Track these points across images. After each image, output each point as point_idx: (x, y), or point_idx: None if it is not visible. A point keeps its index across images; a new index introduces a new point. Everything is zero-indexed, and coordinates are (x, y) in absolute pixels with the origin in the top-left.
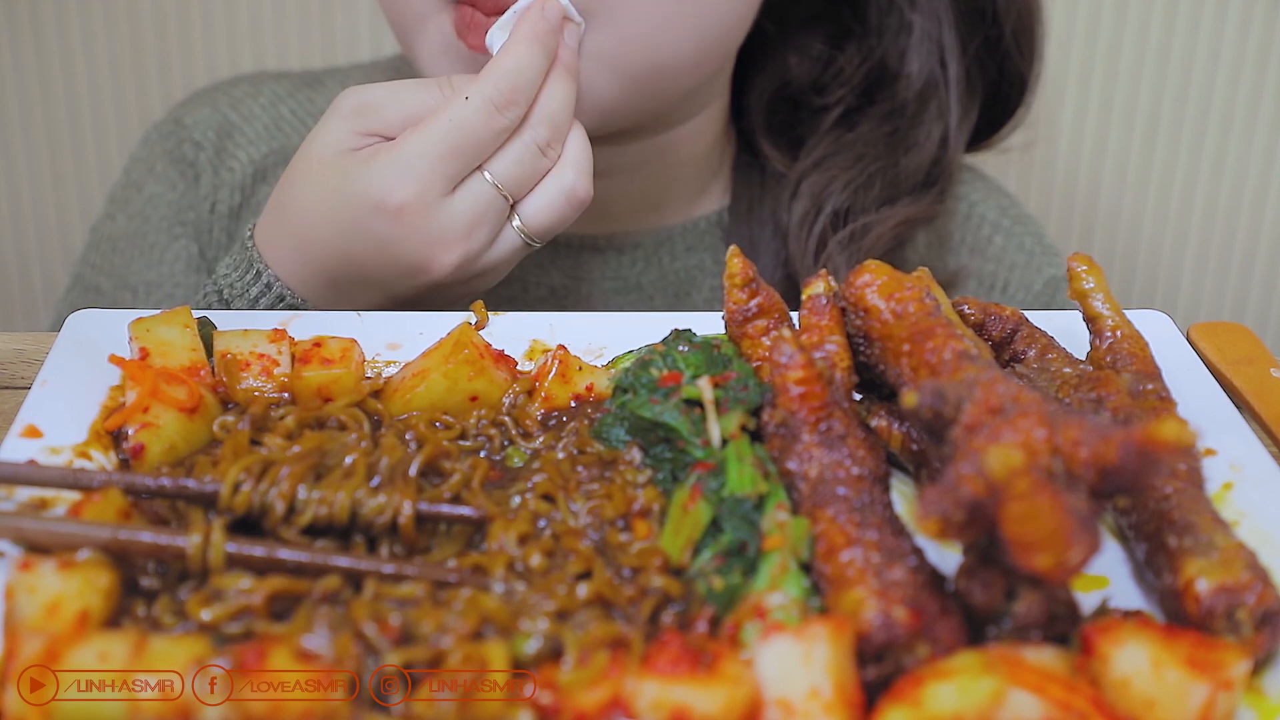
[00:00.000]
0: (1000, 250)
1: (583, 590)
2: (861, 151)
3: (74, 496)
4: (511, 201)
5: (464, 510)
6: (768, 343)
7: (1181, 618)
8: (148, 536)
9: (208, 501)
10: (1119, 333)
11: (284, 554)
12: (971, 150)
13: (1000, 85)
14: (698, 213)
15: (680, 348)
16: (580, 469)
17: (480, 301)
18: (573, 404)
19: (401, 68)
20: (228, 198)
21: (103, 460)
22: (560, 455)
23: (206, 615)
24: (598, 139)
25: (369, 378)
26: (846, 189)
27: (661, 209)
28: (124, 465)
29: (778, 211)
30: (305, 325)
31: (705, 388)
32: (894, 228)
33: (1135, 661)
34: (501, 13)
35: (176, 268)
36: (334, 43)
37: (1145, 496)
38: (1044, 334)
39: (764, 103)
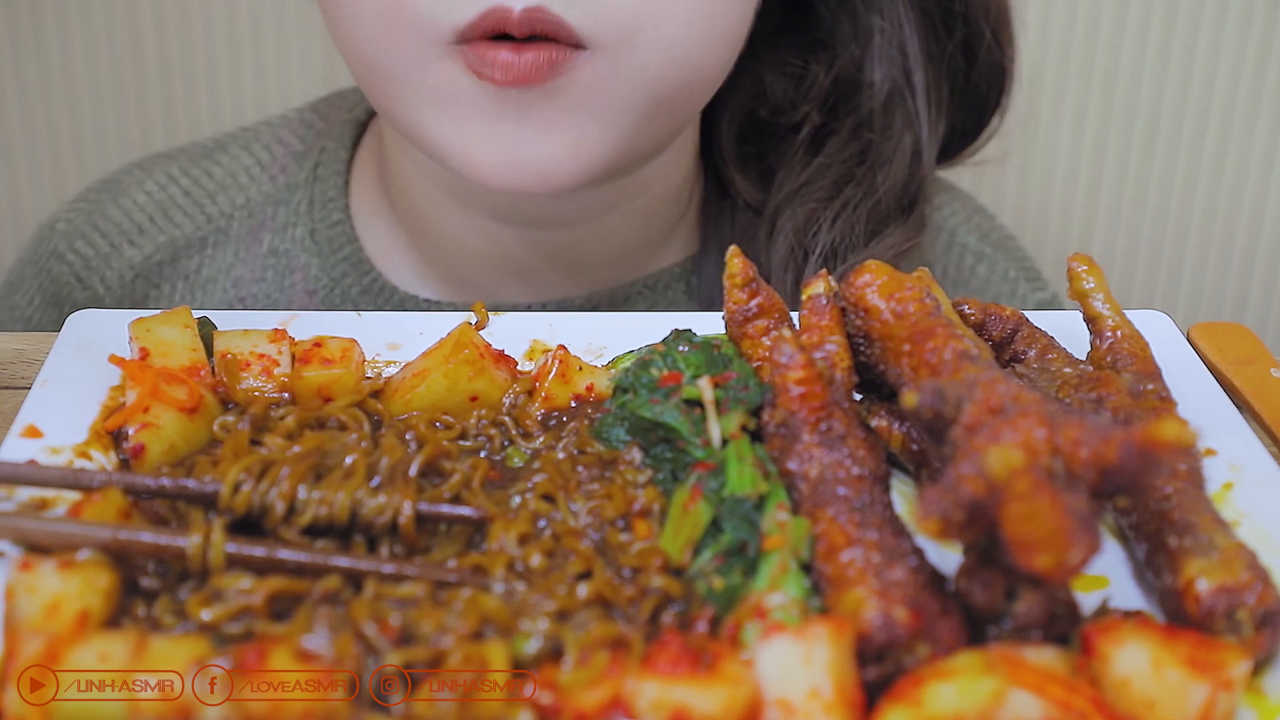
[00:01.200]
0: (984, 281)
1: (583, 590)
2: (835, 176)
3: (74, 496)
4: None
5: (464, 510)
6: (768, 343)
7: (1182, 618)
8: (148, 537)
9: (208, 501)
10: (1119, 333)
11: (284, 554)
12: (947, 162)
13: (977, 86)
14: (661, 264)
15: (680, 348)
16: (580, 469)
17: (480, 302)
18: (573, 404)
19: (313, 123)
20: (116, 286)
21: (103, 460)
22: (560, 455)
23: (206, 615)
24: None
25: (369, 378)
26: (834, 226)
27: (625, 261)
28: (124, 465)
29: (753, 251)
30: (305, 325)
31: (705, 388)
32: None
33: (1135, 662)
34: (524, 39)
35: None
36: (336, 70)
37: (1145, 496)
38: (1044, 334)
39: (735, 129)
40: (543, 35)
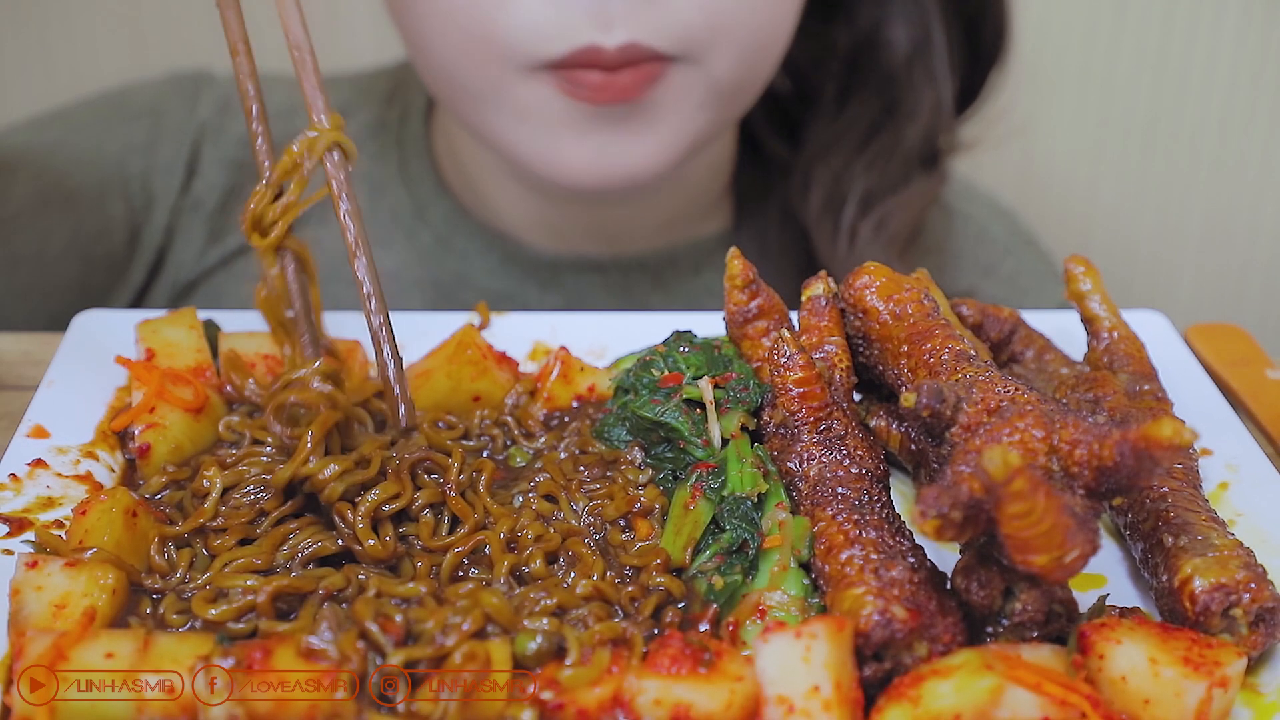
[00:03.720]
0: (1012, 273)
1: (583, 588)
2: (863, 129)
3: (80, 495)
4: None
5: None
6: (768, 344)
7: (1178, 616)
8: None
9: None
10: (1116, 334)
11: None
12: (961, 117)
13: (979, 43)
14: (705, 231)
15: (681, 349)
16: (582, 469)
17: (483, 303)
18: (575, 404)
19: (397, 73)
20: (233, 148)
21: (109, 460)
22: (562, 455)
23: (212, 613)
24: None
25: (373, 378)
26: (868, 173)
27: (664, 232)
28: (130, 465)
29: (787, 205)
30: None
31: (706, 388)
32: (917, 211)
33: (1132, 660)
34: (611, 68)
35: (115, 134)
36: (336, 44)
37: (1142, 496)
38: (1041, 335)
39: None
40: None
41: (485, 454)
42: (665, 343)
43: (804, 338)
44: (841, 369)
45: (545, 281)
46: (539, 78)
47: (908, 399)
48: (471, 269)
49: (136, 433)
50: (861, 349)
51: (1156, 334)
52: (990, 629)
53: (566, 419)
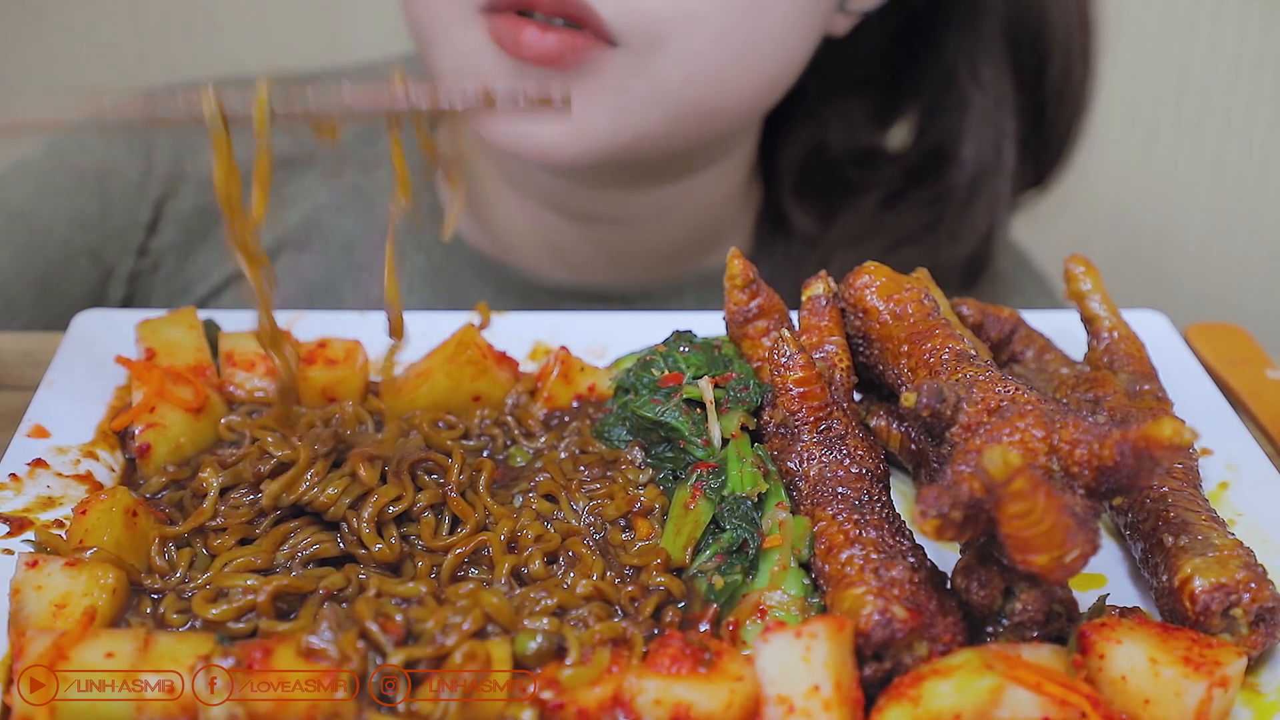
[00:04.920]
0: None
1: (583, 588)
2: (901, 236)
3: (80, 494)
4: None
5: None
6: (768, 343)
7: (1178, 616)
8: None
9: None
10: (1116, 333)
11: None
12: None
13: (1040, 167)
14: (711, 263)
15: (681, 348)
16: (582, 469)
17: (483, 303)
18: (575, 404)
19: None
20: (193, 195)
21: (109, 460)
22: (562, 455)
23: (213, 613)
24: (621, 180)
25: (374, 379)
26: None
27: (671, 260)
28: (130, 465)
29: (799, 279)
30: (309, 325)
31: (706, 388)
32: None
33: (1132, 659)
34: (550, 19)
35: (61, 209)
36: (338, 44)
37: (1142, 496)
38: (1041, 335)
39: (795, 162)
40: (571, 19)
41: (485, 454)
42: (665, 342)
43: (804, 337)
44: (841, 369)
45: (546, 308)
46: (478, 23)
47: (908, 399)
48: (465, 296)
49: (136, 432)
50: (862, 349)
51: (1156, 334)
52: (990, 629)
53: (566, 419)
